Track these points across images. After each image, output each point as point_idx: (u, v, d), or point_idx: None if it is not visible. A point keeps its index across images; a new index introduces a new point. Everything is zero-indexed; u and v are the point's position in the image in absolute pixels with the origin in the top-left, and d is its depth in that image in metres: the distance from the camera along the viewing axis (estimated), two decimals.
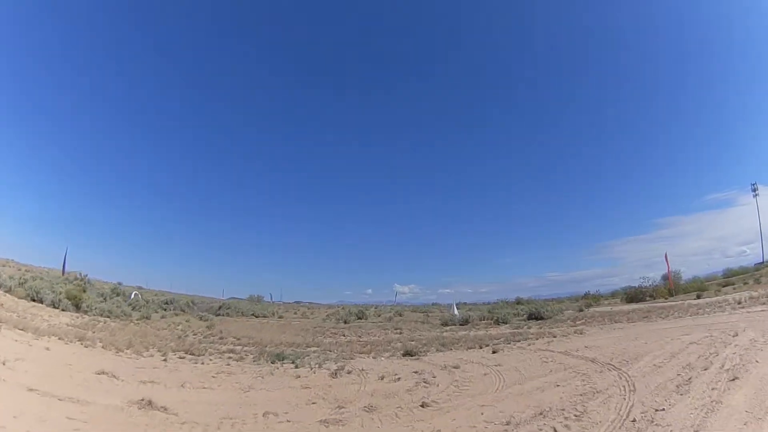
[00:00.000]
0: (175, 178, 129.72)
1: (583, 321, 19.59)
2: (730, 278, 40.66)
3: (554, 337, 14.79)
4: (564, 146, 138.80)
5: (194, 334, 16.44)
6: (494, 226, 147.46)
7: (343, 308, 56.07)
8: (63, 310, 18.85)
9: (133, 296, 27.97)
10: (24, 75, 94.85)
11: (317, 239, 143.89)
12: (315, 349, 13.78)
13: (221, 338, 15.61)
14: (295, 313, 40.61)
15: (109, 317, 19.11)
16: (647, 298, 34.18)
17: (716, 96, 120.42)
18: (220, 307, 29.62)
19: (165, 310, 25.96)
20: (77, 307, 19.31)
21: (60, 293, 19.35)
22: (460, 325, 24.25)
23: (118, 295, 30.17)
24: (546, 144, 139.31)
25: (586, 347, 11.33)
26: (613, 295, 53.21)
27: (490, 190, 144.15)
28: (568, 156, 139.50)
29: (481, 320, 25.30)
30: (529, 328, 19.32)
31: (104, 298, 23.11)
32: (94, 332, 14.70)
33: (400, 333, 18.11)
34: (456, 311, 29.21)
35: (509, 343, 14.00)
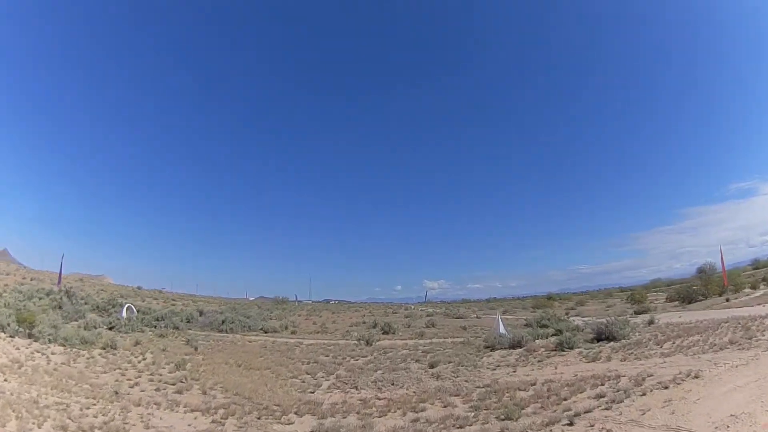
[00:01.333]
0: (201, 180, 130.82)
1: (671, 342, 15.42)
2: (760, 269, 41.22)
3: (665, 387, 10.16)
4: (590, 139, 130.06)
5: (150, 380, 11.86)
6: (522, 220, 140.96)
7: (370, 312, 51.25)
8: (10, 336, 15.11)
9: (125, 311, 24.32)
10: (24, 75, 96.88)
11: (347, 237, 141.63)
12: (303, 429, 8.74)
13: (180, 391, 10.88)
14: (314, 323, 36.04)
15: (64, 345, 15.15)
16: (700, 298, 32.70)
17: (738, 85, 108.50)
18: (222, 322, 25.40)
19: (155, 327, 22.00)
20: (29, 333, 15.51)
21: (10, 315, 15.56)
22: (511, 347, 19.06)
23: (113, 307, 26.83)
24: (572, 137, 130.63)
25: (732, 417, 7.38)
26: (647, 287, 48.47)
27: (518, 185, 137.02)
28: (594, 149, 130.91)
29: (535, 338, 19.91)
30: (609, 359, 14.79)
31: (79, 317, 19.33)
32: (7, 380, 10.53)
33: (439, 379, 12.75)
34: (502, 328, 23.45)
35: (608, 409, 9.26)
